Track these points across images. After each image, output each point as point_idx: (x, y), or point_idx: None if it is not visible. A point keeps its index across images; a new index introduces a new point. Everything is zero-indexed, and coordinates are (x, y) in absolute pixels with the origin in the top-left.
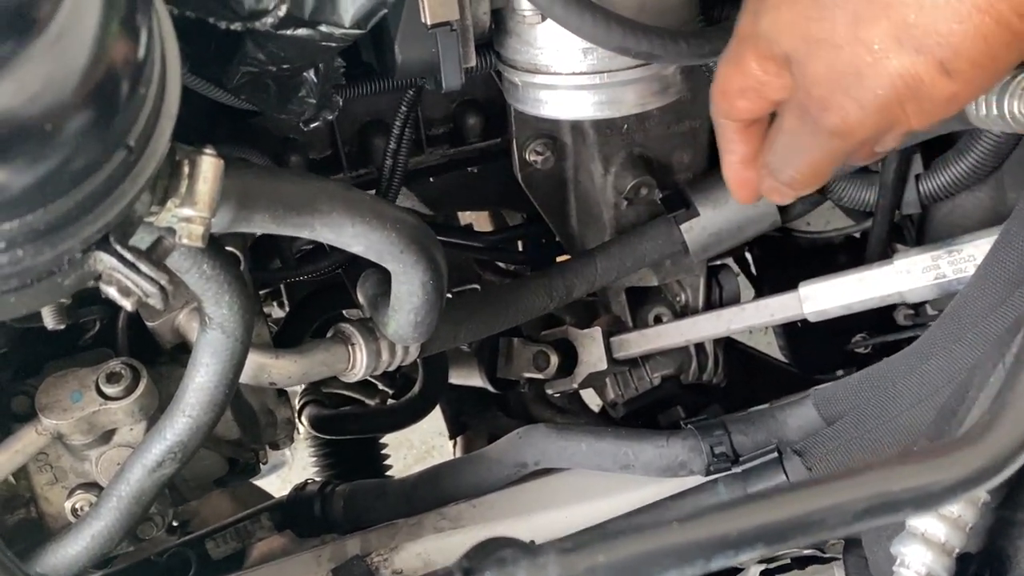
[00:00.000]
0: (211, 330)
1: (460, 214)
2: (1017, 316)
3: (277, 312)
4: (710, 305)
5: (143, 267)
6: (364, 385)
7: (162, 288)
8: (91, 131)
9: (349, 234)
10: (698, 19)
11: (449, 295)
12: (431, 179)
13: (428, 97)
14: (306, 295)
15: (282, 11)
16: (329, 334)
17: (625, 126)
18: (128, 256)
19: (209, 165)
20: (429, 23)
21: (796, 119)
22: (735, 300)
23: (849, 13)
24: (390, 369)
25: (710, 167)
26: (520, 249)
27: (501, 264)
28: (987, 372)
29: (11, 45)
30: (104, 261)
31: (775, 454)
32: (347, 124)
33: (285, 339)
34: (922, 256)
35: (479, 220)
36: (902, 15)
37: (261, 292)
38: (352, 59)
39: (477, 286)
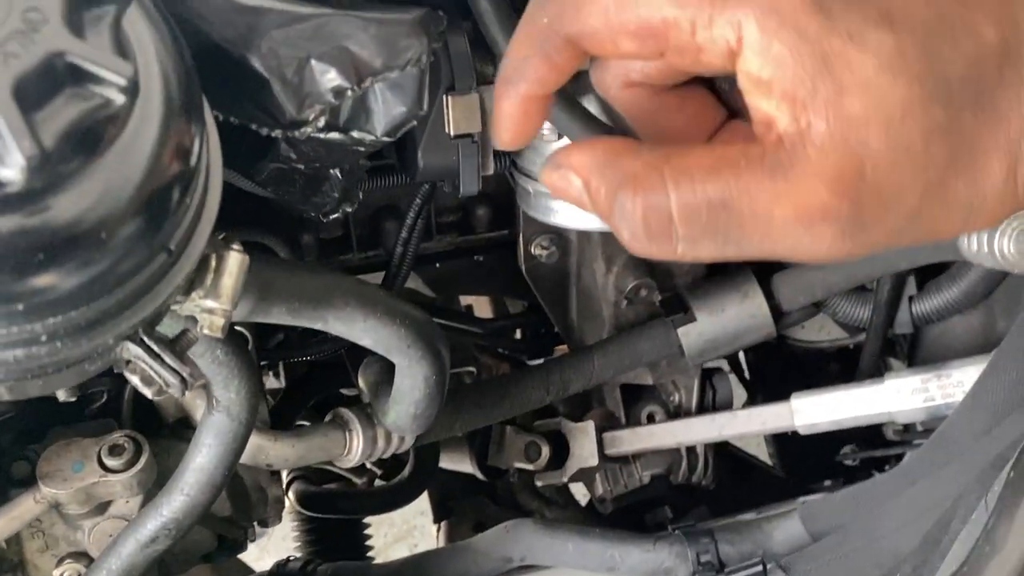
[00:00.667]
0: (217, 412)
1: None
2: (999, 451)
3: (272, 383)
4: (703, 407)
5: (167, 359)
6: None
7: (183, 380)
8: (140, 237)
9: (360, 328)
10: None
11: None
12: (437, 264)
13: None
14: (304, 373)
15: (321, 123)
16: (327, 418)
17: None
18: (154, 347)
19: (235, 261)
20: (452, 134)
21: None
22: (728, 403)
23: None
24: (385, 456)
25: (709, 273)
26: (519, 337)
27: (499, 348)
28: (971, 506)
29: (79, 161)
30: (131, 351)
31: (760, 568)
32: (360, 207)
33: (281, 415)
34: (912, 378)
35: (479, 304)
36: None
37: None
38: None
39: (473, 369)
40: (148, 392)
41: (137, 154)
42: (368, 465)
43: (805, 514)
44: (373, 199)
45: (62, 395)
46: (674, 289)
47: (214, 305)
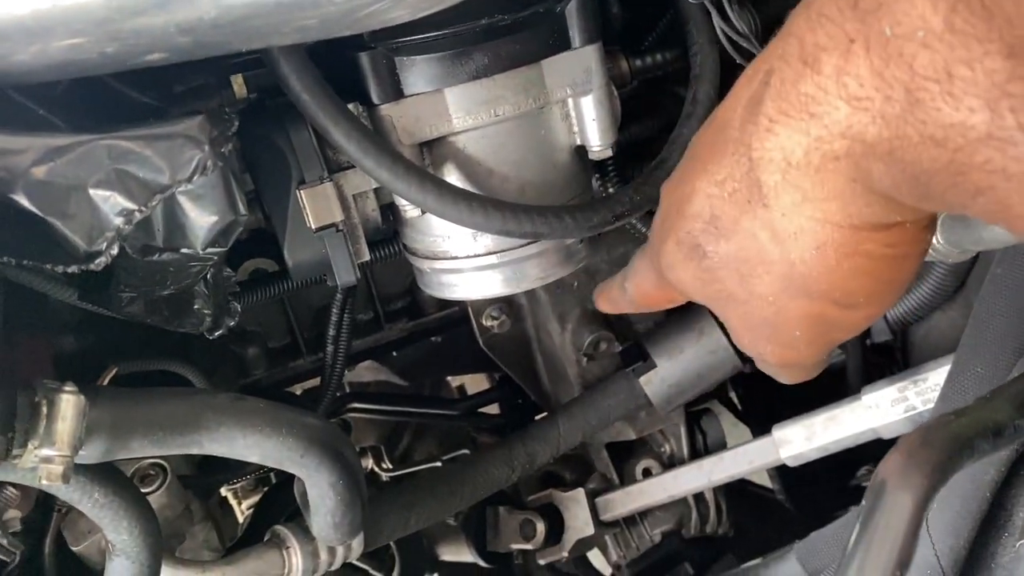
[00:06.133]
0: (115, 556)
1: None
2: None
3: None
4: (695, 452)
5: None
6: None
7: None
8: None
9: (242, 445)
10: (602, 183)
11: (439, 464)
12: (395, 352)
13: (384, 273)
14: (268, 490)
15: (114, 250)
16: (266, 537)
17: (575, 283)
18: None
19: (68, 403)
20: (313, 227)
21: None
22: (721, 444)
23: (734, 272)
24: (334, 568)
25: (667, 316)
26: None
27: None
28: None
29: None
30: None
31: None
32: (303, 311)
33: (249, 538)
34: (888, 389)
35: (476, 380)
36: (780, 268)
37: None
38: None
39: (467, 452)
40: None
41: None
42: (366, 568)
43: (801, 554)
44: (313, 300)
45: None
46: (636, 338)
47: (51, 453)
